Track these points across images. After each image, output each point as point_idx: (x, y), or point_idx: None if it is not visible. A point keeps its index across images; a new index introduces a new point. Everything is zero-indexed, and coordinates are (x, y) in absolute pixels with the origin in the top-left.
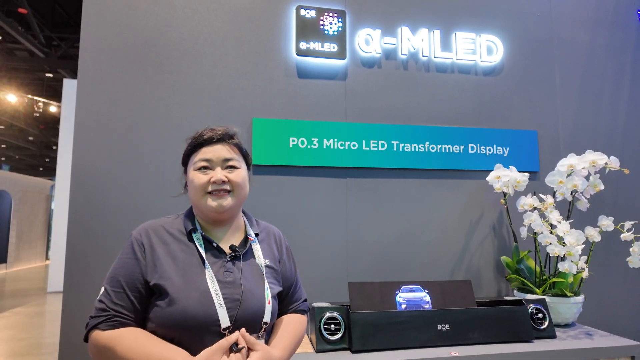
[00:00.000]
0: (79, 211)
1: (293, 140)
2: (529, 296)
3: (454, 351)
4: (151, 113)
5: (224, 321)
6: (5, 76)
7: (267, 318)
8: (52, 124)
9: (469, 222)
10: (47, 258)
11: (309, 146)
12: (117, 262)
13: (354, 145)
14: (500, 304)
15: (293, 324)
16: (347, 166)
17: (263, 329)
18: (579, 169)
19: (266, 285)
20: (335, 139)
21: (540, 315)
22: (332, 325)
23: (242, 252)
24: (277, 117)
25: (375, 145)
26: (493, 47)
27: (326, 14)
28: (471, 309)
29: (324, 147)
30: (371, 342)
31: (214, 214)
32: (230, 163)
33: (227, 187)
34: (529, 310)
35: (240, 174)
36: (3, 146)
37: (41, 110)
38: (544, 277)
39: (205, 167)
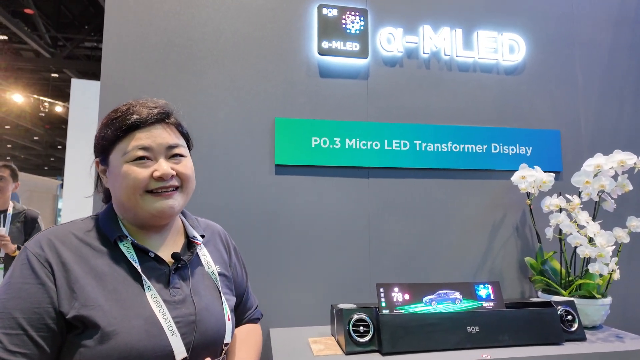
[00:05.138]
0: None
1: (315, 140)
2: (555, 298)
3: (485, 353)
4: None
5: (180, 352)
6: (11, 76)
7: (228, 338)
8: (57, 124)
9: (492, 223)
10: None
11: (331, 146)
12: (6, 292)
13: (376, 145)
14: (527, 305)
15: (252, 336)
16: (369, 166)
17: (224, 352)
18: (606, 169)
19: (223, 298)
20: (358, 139)
21: (569, 317)
22: (361, 327)
23: (187, 260)
24: (299, 117)
25: (398, 145)
26: (515, 46)
27: (348, 12)
28: (500, 310)
29: (346, 147)
30: (401, 344)
31: (157, 218)
32: (176, 151)
33: (176, 182)
34: (559, 312)
35: (189, 164)
36: (9, 146)
37: (47, 110)
38: (569, 279)
39: (143, 158)
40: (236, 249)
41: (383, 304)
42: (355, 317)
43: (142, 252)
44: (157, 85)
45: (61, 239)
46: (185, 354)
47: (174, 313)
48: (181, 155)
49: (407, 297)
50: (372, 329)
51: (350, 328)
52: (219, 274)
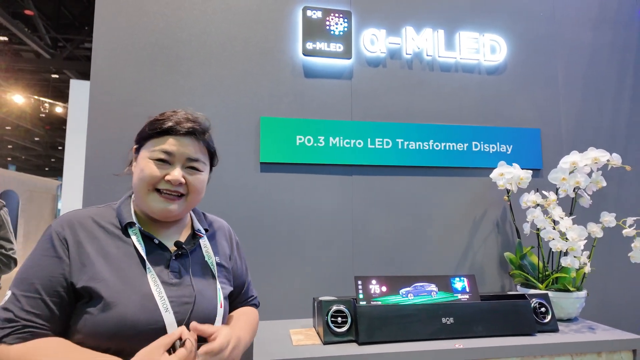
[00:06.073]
0: None
1: (300, 139)
2: (532, 291)
3: (459, 343)
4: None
5: (172, 327)
6: (12, 77)
7: (218, 322)
8: (57, 125)
9: (473, 219)
10: None
11: (315, 144)
12: (30, 261)
13: (359, 144)
14: (503, 298)
15: (250, 314)
16: (352, 164)
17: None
18: (581, 166)
19: (218, 286)
20: (341, 137)
21: (543, 309)
22: (339, 318)
23: (189, 250)
24: (284, 116)
25: (381, 143)
26: (496, 46)
27: (332, 14)
28: (475, 302)
29: (330, 145)
30: (377, 335)
31: (157, 216)
32: (194, 164)
33: (182, 190)
34: (532, 304)
35: (201, 179)
36: (9, 147)
37: (47, 111)
38: (546, 273)
39: (163, 160)
40: (238, 244)
41: (361, 296)
42: (334, 308)
43: (148, 239)
44: (145, 85)
45: (80, 221)
46: None
47: (169, 293)
48: (198, 170)
49: (384, 289)
50: (349, 320)
51: (329, 319)
52: (218, 264)
